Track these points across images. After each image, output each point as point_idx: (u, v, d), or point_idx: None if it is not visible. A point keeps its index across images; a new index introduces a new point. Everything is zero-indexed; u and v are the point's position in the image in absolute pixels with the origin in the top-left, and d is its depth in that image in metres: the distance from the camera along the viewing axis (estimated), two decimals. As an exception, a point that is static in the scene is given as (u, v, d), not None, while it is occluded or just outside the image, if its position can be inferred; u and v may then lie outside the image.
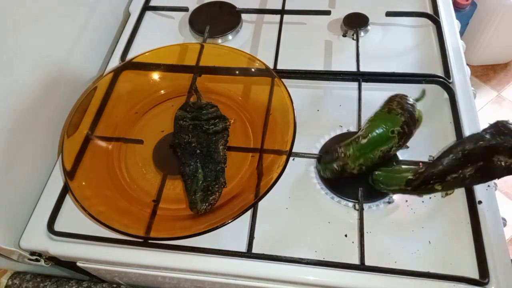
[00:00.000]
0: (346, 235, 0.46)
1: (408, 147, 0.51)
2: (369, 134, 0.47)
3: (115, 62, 0.64)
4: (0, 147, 0.47)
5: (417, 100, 0.51)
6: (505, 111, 1.52)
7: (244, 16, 0.69)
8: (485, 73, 1.63)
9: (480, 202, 0.47)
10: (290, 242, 0.46)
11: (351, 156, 0.46)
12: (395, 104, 0.49)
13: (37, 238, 0.49)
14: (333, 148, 0.47)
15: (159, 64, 0.60)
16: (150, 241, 0.47)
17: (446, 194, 0.48)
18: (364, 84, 0.57)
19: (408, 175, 0.44)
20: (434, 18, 0.64)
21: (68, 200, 0.51)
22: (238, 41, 0.67)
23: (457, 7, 1.28)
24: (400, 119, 0.47)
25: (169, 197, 0.50)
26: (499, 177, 0.43)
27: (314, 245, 0.46)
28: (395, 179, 0.46)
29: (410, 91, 0.55)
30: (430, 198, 0.48)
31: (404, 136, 0.48)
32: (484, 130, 0.43)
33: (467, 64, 0.60)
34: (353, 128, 0.54)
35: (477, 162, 0.42)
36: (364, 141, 0.47)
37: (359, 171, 0.47)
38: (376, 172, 0.47)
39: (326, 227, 0.47)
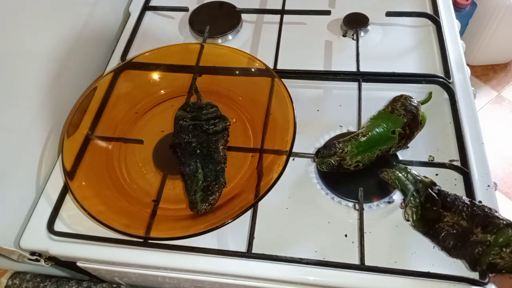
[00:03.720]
0: (346, 235, 0.46)
1: (408, 147, 0.51)
2: (369, 133, 0.47)
3: (115, 62, 0.64)
4: (0, 147, 0.47)
5: (422, 102, 0.51)
6: (505, 111, 1.52)
7: (244, 16, 0.69)
8: (485, 73, 1.62)
9: (480, 202, 0.47)
10: (290, 242, 0.46)
11: (349, 152, 0.46)
12: (398, 105, 0.49)
13: (37, 238, 0.49)
14: (331, 143, 0.48)
15: (159, 64, 0.60)
16: (150, 241, 0.46)
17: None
18: (364, 84, 0.57)
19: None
20: (434, 18, 0.64)
21: (68, 200, 0.51)
22: (238, 41, 0.67)
23: (457, 7, 1.28)
24: (402, 120, 0.47)
25: (169, 197, 0.50)
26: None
27: (314, 245, 0.46)
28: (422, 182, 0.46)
29: (410, 91, 0.55)
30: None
31: (404, 137, 0.48)
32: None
33: (467, 64, 0.60)
34: (353, 128, 0.54)
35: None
36: (363, 139, 0.47)
37: (355, 168, 0.47)
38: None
39: (326, 227, 0.47)
